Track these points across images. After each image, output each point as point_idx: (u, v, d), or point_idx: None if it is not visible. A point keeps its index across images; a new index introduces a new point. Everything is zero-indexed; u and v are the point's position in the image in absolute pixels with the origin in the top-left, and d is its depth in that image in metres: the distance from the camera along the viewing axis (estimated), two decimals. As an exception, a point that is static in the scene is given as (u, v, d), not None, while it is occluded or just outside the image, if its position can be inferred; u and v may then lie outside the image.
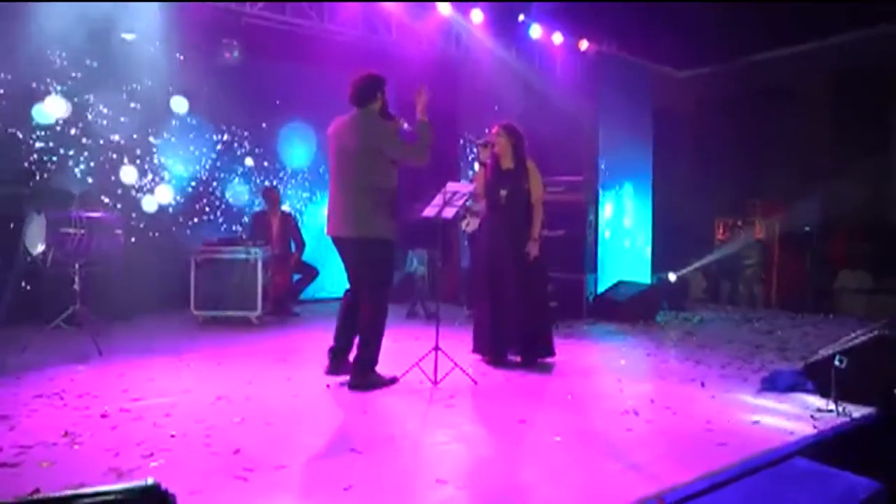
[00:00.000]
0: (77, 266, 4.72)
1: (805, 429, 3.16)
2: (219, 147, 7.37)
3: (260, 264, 5.91)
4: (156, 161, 6.76)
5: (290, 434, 2.98)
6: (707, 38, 8.30)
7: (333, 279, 7.99)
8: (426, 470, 2.59)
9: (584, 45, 8.38)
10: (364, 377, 3.73)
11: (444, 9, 7.53)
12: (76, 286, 4.68)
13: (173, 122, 6.79)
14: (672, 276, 8.29)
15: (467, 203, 4.66)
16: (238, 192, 7.54)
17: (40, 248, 4.40)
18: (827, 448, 3.00)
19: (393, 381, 3.84)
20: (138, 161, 6.59)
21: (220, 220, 7.42)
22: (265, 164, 7.77)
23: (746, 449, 2.85)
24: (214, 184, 7.36)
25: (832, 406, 3.45)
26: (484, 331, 4.52)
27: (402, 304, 7.12)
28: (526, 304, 4.40)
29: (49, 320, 4.68)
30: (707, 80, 9.59)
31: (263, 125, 7.58)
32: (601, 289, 7.25)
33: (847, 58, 8.27)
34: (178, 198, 6.97)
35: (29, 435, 2.80)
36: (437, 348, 3.91)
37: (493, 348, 4.49)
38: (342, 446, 2.82)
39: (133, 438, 2.80)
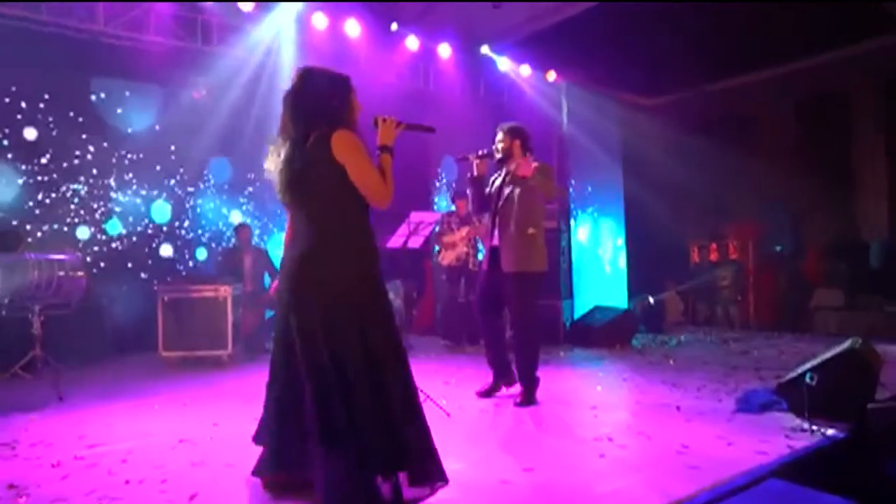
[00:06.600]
0: (37, 310, 4.60)
1: (779, 449, 3.11)
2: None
3: (230, 301, 5.80)
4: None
5: (250, 476, 2.86)
6: (672, 67, 8.49)
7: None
8: (391, 508, 2.48)
9: (551, 76, 8.54)
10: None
11: (412, 43, 7.65)
12: (35, 331, 4.55)
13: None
14: (651, 300, 8.31)
15: (434, 231, 4.55)
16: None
17: (-4, 292, 4.27)
18: (801, 468, 2.95)
19: None
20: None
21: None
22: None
23: (720, 472, 2.79)
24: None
25: (806, 425, 3.41)
26: None
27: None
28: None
29: (6, 368, 4.52)
30: (674, 107, 9.78)
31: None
32: (577, 315, 7.22)
33: (811, 83, 8.50)
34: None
35: (-28, 489, 2.66)
36: (407, 381, 3.82)
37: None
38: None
39: (84, 488, 2.67)
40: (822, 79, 8.30)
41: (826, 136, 8.57)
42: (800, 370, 3.75)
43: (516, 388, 4.32)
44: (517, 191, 4.16)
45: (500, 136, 4.29)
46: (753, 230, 8.91)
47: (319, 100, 2.45)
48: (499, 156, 4.28)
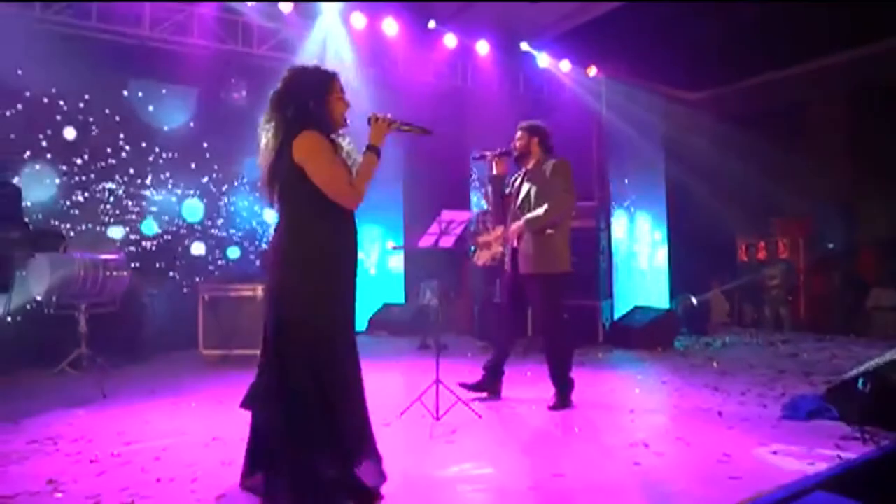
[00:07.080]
0: (83, 308, 4.74)
1: (828, 459, 2.95)
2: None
3: (268, 301, 5.86)
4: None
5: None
6: (716, 60, 8.20)
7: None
8: (416, 513, 2.45)
9: (592, 71, 8.37)
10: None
11: (450, 41, 7.60)
12: (81, 329, 4.69)
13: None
14: (693, 300, 8.05)
15: (469, 231, 4.51)
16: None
17: (43, 290, 4.42)
18: (852, 480, 2.77)
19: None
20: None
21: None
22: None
23: (763, 483, 2.65)
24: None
25: (858, 434, 3.22)
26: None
27: (417, 337, 7.04)
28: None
29: (54, 364, 4.68)
30: (719, 100, 9.44)
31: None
32: (617, 315, 7.06)
33: (864, 73, 8.07)
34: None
35: (13, 484, 2.74)
36: (437, 381, 3.79)
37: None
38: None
39: (117, 485, 2.72)
40: (876, 69, 7.87)
41: (882, 129, 8.14)
42: (851, 375, 3.55)
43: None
44: (534, 189, 4.07)
45: (518, 133, 4.23)
46: (804, 227, 8.53)
47: (296, 101, 2.47)
48: (516, 153, 4.21)
